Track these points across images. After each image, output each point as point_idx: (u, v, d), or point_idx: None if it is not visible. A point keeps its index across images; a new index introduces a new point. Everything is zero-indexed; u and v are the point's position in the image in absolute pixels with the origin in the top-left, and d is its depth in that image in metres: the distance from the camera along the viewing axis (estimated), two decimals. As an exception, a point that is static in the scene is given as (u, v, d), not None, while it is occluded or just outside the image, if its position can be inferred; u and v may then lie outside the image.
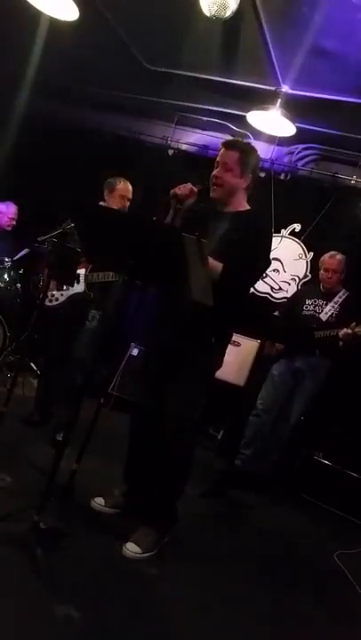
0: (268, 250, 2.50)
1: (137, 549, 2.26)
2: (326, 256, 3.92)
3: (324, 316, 3.77)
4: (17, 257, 4.43)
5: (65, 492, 2.36)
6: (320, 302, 3.85)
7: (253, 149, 2.53)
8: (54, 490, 2.16)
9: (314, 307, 3.85)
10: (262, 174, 4.88)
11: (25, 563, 1.91)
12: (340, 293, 3.85)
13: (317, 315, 3.80)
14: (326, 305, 3.81)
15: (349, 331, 3.46)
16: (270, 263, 2.59)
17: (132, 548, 2.25)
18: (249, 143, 2.58)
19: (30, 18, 3.96)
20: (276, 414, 3.75)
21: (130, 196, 3.55)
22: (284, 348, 3.83)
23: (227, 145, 2.47)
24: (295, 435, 3.87)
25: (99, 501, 2.53)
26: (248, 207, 2.55)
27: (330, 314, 3.77)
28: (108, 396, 4.53)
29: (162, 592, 2.13)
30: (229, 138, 5.10)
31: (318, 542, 3.30)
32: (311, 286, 4.43)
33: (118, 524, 2.41)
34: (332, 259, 3.85)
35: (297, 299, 4.10)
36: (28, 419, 3.48)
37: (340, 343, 3.53)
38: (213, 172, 2.47)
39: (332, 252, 3.90)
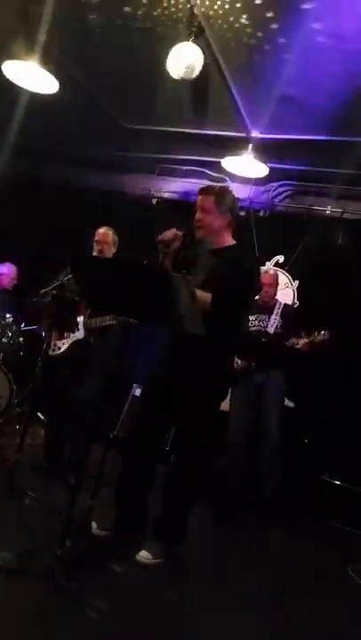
0: (254, 276, 2.78)
1: (148, 556, 2.50)
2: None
3: (271, 329, 3.97)
4: (26, 328, 4.67)
5: (84, 526, 2.47)
6: (262, 317, 4.05)
7: (227, 191, 2.81)
8: (72, 526, 2.28)
9: (258, 322, 4.04)
10: (242, 213, 5.17)
11: (51, 593, 2.01)
12: (278, 304, 4.09)
13: (264, 329, 4.00)
14: (269, 318, 4.01)
15: (307, 340, 3.69)
16: (260, 288, 2.81)
17: (143, 555, 2.50)
18: (222, 186, 2.85)
19: (11, 88, 4.23)
20: (247, 428, 3.82)
21: (106, 239, 3.74)
22: (244, 367, 3.89)
23: (203, 191, 2.75)
24: (297, 456, 3.99)
25: (93, 525, 2.63)
26: (233, 242, 2.80)
27: (275, 325, 3.98)
28: (115, 436, 4.64)
29: (182, 614, 2.23)
30: (208, 183, 5.47)
31: (331, 558, 3.37)
32: None
33: (135, 551, 2.52)
34: (266, 274, 4.08)
35: None
36: (38, 466, 3.58)
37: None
38: (195, 217, 2.72)
39: (264, 268, 4.14)
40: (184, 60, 3.12)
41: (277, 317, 4.00)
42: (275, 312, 4.03)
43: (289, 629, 2.32)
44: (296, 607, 2.56)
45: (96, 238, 3.76)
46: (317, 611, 2.58)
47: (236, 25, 3.21)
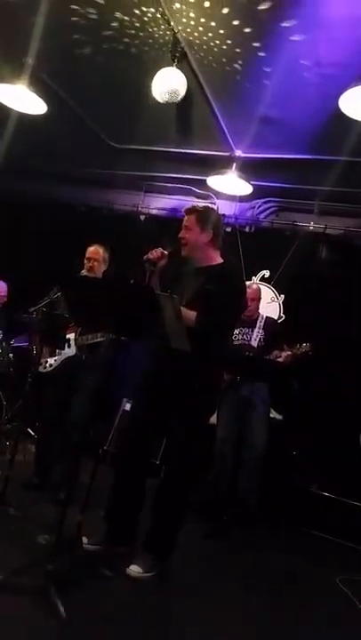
0: (240, 295, 2.85)
1: (139, 569, 2.54)
2: None
3: (254, 343, 4.08)
4: (16, 345, 4.70)
5: (73, 542, 2.51)
6: (246, 330, 4.14)
7: (210, 209, 2.91)
8: (63, 541, 2.32)
9: (242, 335, 4.13)
10: (228, 229, 5.28)
11: (43, 610, 2.05)
12: (260, 318, 4.20)
13: (248, 342, 4.09)
14: (252, 332, 4.11)
15: (289, 352, 3.81)
16: (245, 307, 2.88)
17: (134, 569, 2.54)
18: (205, 205, 2.94)
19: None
20: (234, 441, 3.91)
21: (96, 257, 3.81)
22: (231, 380, 3.94)
23: (186, 211, 2.86)
24: (286, 468, 4.05)
25: (83, 540, 2.68)
26: (221, 260, 2.87)
27: (258, 339, 4.08)
28: (106, 452, 4.67)
29: (174, 627, 2.27)
30: (194, 201, 5.58)
31: (320, 569, 3.42)
32: None
33: (125, 566, 2.56)
34: (249, 288, 4.12)
35: None
36: (28, 483, 3.61)
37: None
38: (179, 235, 2.81)
39: (247, 283, 4.25)
40: (168, 85, 3.22)
41: (260, 331, 4.10)
42: (257, 325, 4.13)
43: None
44: (285, 618, 2.61)
45: (86, 255, 3.83)
46: (305, 621, 2.63)
47: (218, 49, 3.33)
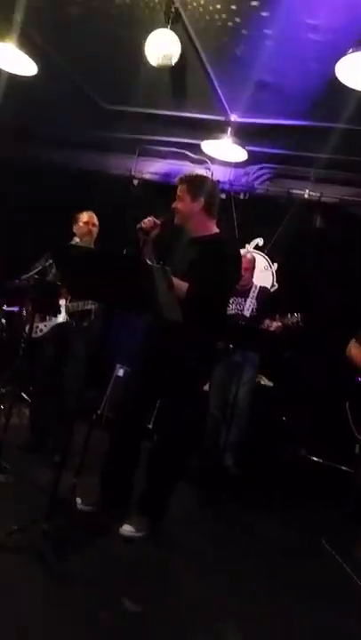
0: (234, 267, 2.81)
1: (131, 529, 2.62)
2: None
3: (247, 313, 4.13)
4: (8, 310, 4.69)
5: (68, 503, 2.60)
6: (239, 300, 4.19)
7: (202, 177, 2.89)
8: (58, 502, 2.40)
9: (236, 305, 4.19)
10: (223, 195, 5.23)
11: (38, 567, 2.14)
12: (253, 288, 4.24)
13: (241, 312, 4.14)
14: (245, 301, 4.16)
15: (280, 324, 3.88)
16: (238, 279, 2.90)
17: (127, 528, 2.62)
18: (198, 174, 2.91)
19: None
20: (225, 406, 4.01)
21: (94, 221, 3.86)
22: (222, 348, 3.99)
23: (178, 180, 2.83)
24: (276, 434, 4.16)
25: (77, 501, 2.76)
26: (216, 230, 2.84)
27: (251, 308, 4.13)
28: (99, 416, 4.77)
29: (169, 584, 2.38)
30: (189, 166, 5.52)
31: (308, 530, 3.54)
32: None
33: (118, 525, 2.66)
34: (243, 258, 4.12)
35: None
36: (24, 446, 3.69)
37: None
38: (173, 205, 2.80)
39: (242, 251, 4.28)
40: (161, 48, 3.15)
41: (253, 301, 4.14)
42: (250, 295, 4.16)
43: (271, 596, 2.49)
44: (276, 576, 2.72)
45: (85, 220, 3.84)
46: (293, 578, 2.75)
47: (214, 10, 3.24)
